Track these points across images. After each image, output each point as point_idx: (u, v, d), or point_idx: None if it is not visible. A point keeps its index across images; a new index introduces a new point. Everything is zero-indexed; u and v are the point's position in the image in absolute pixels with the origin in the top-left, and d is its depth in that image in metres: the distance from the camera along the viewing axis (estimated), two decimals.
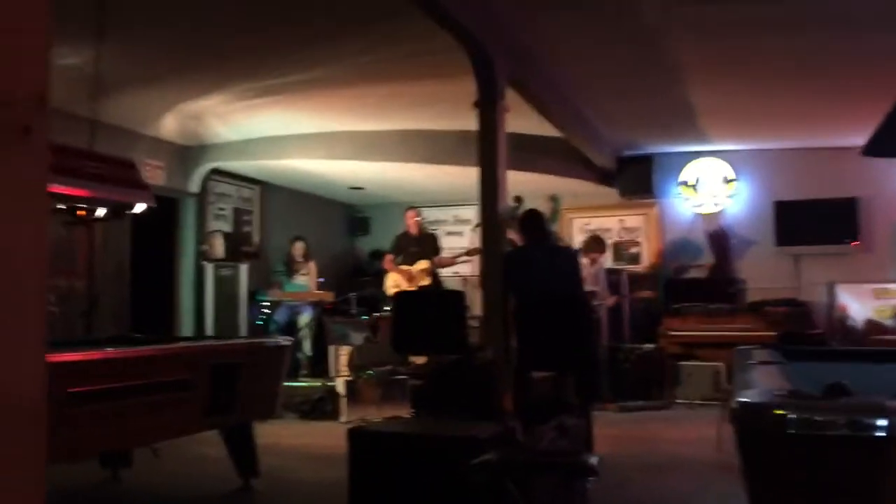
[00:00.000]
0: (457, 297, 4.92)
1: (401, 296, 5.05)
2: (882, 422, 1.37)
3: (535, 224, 5.49)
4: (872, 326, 8.27)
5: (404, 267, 8.64)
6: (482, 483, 2.84)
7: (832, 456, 1.42)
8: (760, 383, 1.80)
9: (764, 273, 8.88)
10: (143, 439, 3.87)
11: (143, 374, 3.56)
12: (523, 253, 5.44)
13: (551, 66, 6.16)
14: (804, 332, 7.09)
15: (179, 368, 3.75)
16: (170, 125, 7.55)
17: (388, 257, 8.82)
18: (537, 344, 5.02)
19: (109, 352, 3.48)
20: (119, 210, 5.39)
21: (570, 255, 5.49)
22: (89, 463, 4.72)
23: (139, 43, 5.59)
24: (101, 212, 5.38)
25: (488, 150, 5.28)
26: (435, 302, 5.00)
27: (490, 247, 5.26)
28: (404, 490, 3.25)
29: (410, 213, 8.69)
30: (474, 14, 4.84)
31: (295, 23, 5.31)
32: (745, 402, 1.52)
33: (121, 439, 3.58)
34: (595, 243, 8.49)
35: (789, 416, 1.44)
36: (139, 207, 5.48)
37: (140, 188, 4.53)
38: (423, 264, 8.55)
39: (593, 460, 2.79)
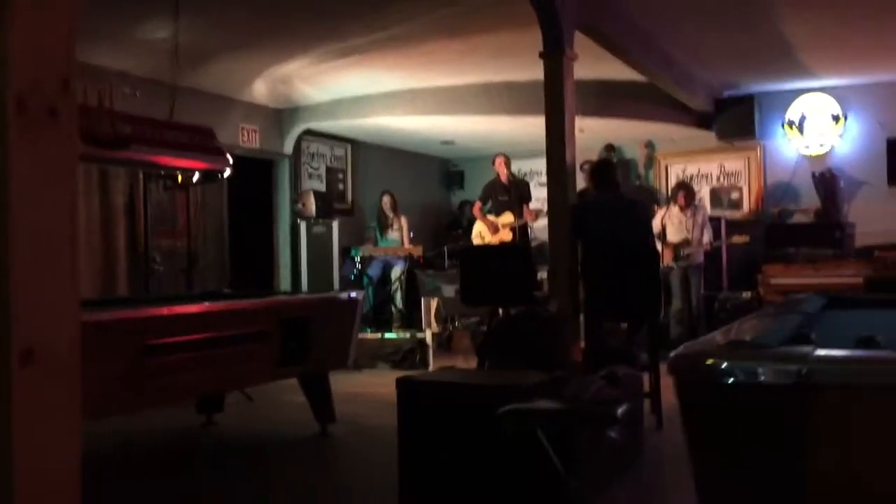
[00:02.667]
0: (523, 251, 4.97)
1: (467, 250, 5.14)
2: (797, 368, 1.37)
3: (605, 176, 5.41)
4: None
5: (491, 217, 8.68)
6: (512, 431, 2.92)
7: (751, 405, 1.42)
8: (725, 333, 1.79)
9: (875, 216, 8.31)
10: (220, 387, 4.21)
11: (218, 327, 3.85)
12: (593, 205, 5.39)
13: (628, 6, 5.96)
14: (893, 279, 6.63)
15: (252, 322, 4.04)
16: (261, 90, 7.89)
17: (477, 204, 8.88)
18: (606, 294, 5.01)
19: (183, 307, 3.79)
20: (211, 174, 5.76)
21: (640, 208, 5.39)
22: (187, 408, 5.20)
23: (221, 12, 5.86)
24: (196, 177, 5.79)
25: (555, 100, 5.22)
26: (501, 255, 5.06)
27: (558, 198, 5.24)
28: (449, 438, 3.39)
29: (499, 160, 8.61)
30: None
31: None
32: (679, 352, 1.54)
33: (198, 387, 3.91)
34: (679, 189, 8.23)
35: (716, 365, 1.45)
36: (227, 171, 5.83)
37: (217, 154, 4.81)
38: (508, 217, 8.56)
39: (620, 410, 2.81)
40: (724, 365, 1.49)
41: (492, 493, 3.28)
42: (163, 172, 6.23)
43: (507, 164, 8.65)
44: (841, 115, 8.58)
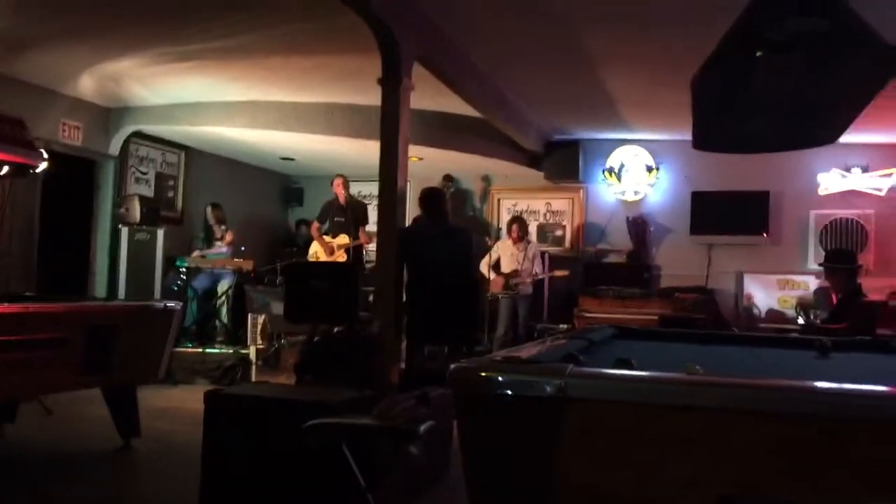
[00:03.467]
0: (348, 270, 5.03)
1: (292, 267, 5.13)
2: (555, 382, 1.53)
3: (433, 203, 5.61)
4: (775, 315, 8.61)
5: (327, 238, 8.70)
6: (315, 445, 2.96)
7: (518, 415, 1.57)
8: (507, 352, 1.95)
9: (677, 260, 9.18)
10: (11, 395, 3.92)
11: (10, 330, 3.60)
12: (419, 231, 5.56)
13: (465, 45, 6.25)
14: (685, 317, 7.36)
15: (50, 327, 3.80)
16: (88, 85, 7.46)
17: (315, 225, 8.87)
18: (426, 317, 5.17)
19: None
20: (21, 169, 5.38)
21: (463, 236, 5.62)
22: None
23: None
24: (4, 170, 5.37)
25: (390, 126, 5.36)
26: (327, 274, 5.10)
27: (387, 222, 5.35)
28: (255, 452, 3.36)
29: (337, 181, 8.66)
30: None
31: None
32: (457, 365, 1.66)
33: None
34: (513, 222, 8.69)
35: (488, 377, 1.59)
36: (41, 167, 5.48)
37: (28, 147, 4.52)
38: (344, 238, 8.61)
39: (422, 427, 2.92)
40: (495, 377, 1.63)
41: None
42: None
43: (346, 186, 8.70)
44: (654, 167, 9.39)
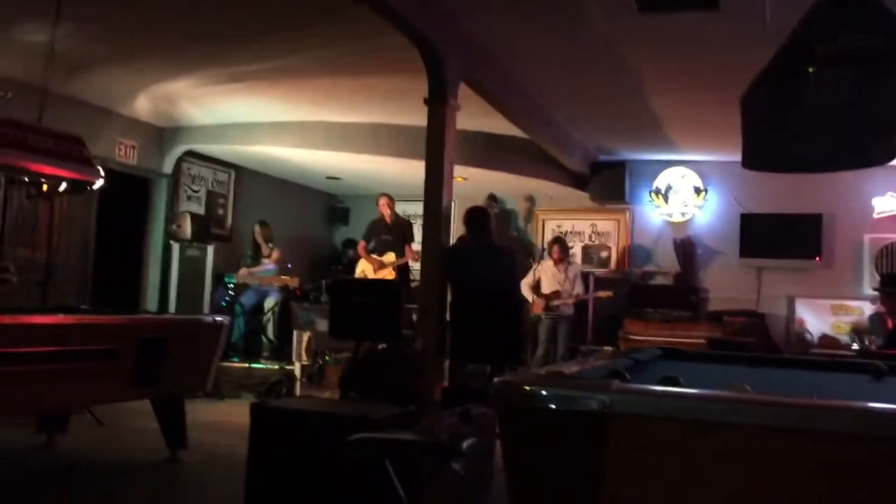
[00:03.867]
0: (392, 287, 5.06)
1: (338, 283, 5.18)
2: (600, 398, 1.51)
3: (478, 222, 5.62)
4: (828, 341, 8.38)
5: (375, 256, 8.76)
6: (358, 460, 2.96)
7: (562, 429, 1.56)
8: (549, 368, 1.94)
9: (726, 283, 9.00)
10: (62, 404, 4.02)
11: (63, 341, 3.70)
12: (464, 250, 5.57)
13: (510, 66, 6.28)
14: (733, 341, 7.20)
15: (101, 339, 3.90)
16: (143, 105, 7.70)
17: (362, 244, 8.93)
18: (469, 335, 5.17)
19: (20, 318, 3.62)
20: (79, 186, 5.55)
21: (507, 254, 5.61)
22: (27, 427, 4.92)
23: (105, 22, 5.72)
24: (63, 186, 5.55)
25: (435, 146, 5.40)
26: (371, 291, 5.13)
27: (432, 240, 5.38)
28: (298, 465, 3.39)
29: (383, 200, 8.69)
30: (423, 12, 4.97)
31: (256, 11, 5.45)
32: (501, 379, 1.66)
33: (37, 402, 3.73)
34: (554, 243, 8.61)
35: (532, 392, 1.58)
36: (98, 183, 5.64)
37: (86, 164, 4.66)
38: (391, 256, 8.66)
39: (465, 443, 2.91)
40: (539, 392, 1.62)
41: None
42: (27, 178, 5.95)
43: (391, 205, 8.76)
44: (702, 189, 9.27)
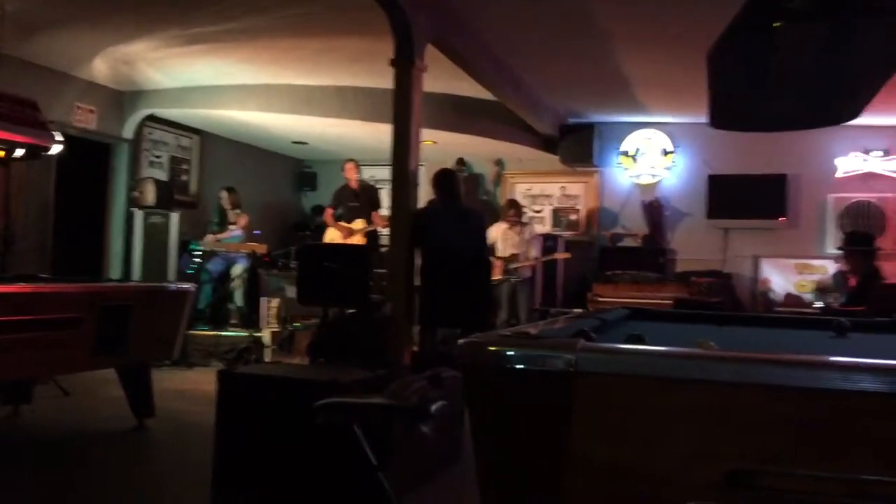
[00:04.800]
0: (360, 252, 5.01)
1: (306, 249, 5.12)
2: (566, 357, 1.50)
3: (446, 183, 5.57)
4: (792, 299, 8.53)
5: (343, 224, 8.66)
6: (326, 425, 2.94)
7: (527, 390, 1.54)
8: (516, 329, 1.92)
9: (693, 245, 9.09)
10: (24, 374, 3.94)
11: (22, 310, 3.61)
12: (433, 213, 5.53)
13: (478, 27, 6.19)
14: (700, 301, 7.30)
15: (63, 307, 3.82)
16: (101, 68, 7.48)
17: (329, 211, 8.82)
18: (438, 299, 5.15)
19: None
20: (35, 151, 5.39)
21: (476, 217, 5.58)
22: None
23: None
24: (18, 152, 5.38)
25: (402, 108, 5.32)
26: (339, 256, 5.08)
27: (400, 204, 5.33)
28: (266, 431, 3.37)
29: (349, 165, 8.58)
30: None
31: None
32: (466, 341, 1.64)
33: (1, 372, 3.64)
34: (509, 207, 8.57)
35: (497, 352, 1.56)
36: (55, 149, 5.48)
37: (40, 128, 4.52)
38: (360, 223, 8.57)
39: (433, 406, 2.90)
40: (505, 352, 1.60)
41: (305, 486, 3.28)
42: None
43: (357, 171, 8.66)
44: (670, 150, 9.30)
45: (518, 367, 1.55)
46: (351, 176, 8.61)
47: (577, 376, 1.52)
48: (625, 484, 1.51)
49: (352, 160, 8.68)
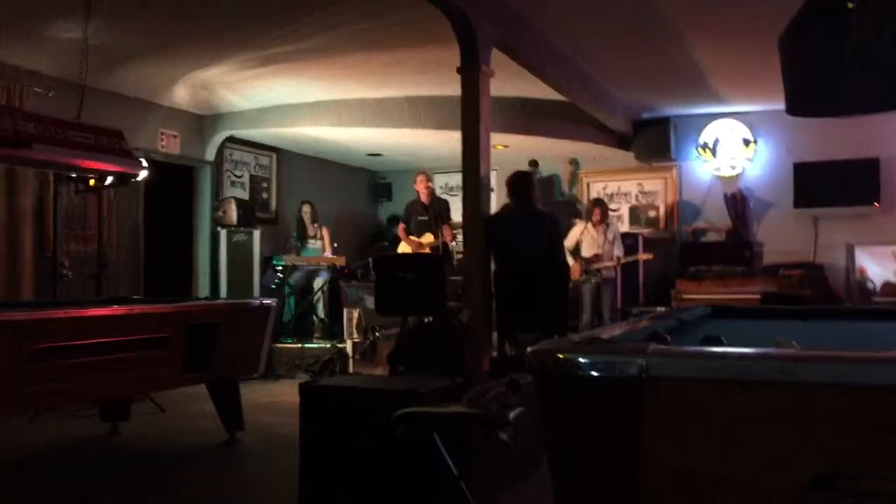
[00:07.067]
0: (435, 262, 5.04)
1: (381, 260, 5.19)
2: (637, 362, 1.46)
3: (520, 186, 5.54)
4: (891, 288, 8.10)
5: (413, 238, 8.62)
6: (406, 434, 2.96)
7: (600, 396, 1.51)
8: (588, 334, 1.89)
9: (781, 236, 8.75)
10: (119, 393, 4.13)
11: (115, 331, 3.79)
12: (506, 217, 5.51)
13: (542, 28, 6.14)
14: (790, 294, 6.99)
15: (152, 327, 3.98)
16: (182, 95, 7.79)
17: (401, 226, 8.84)
18: (514, 305, 5.12)
19: (75, 311, 3.71)
20: (123, 178, 5.65)
21: (549, 219, 5.52)
22: (91, 418, 5.08)
23: (135, 15, 5.77)
24: (109, 180, 5.66)
25: (471, 115, 5.32)
26: (414, 265, 5.13)
27: (473, 211, 5.33)
28: (349, 442, 3.42)
29: (420, 178, 8.45)
30: None
31: None
32: (536, 348, 1.61)
33: (95, 392, 3.83)
34: (594, 206, 8.43)
35: (567, 359, 1.53)
36: (141, 175, 5.73)
37: (127, 156, 4.74)
38: (429, 237, 8.49)
39: (512, 413, 2.89)
40: (574, 359, 1.57)
41: (388, 496, 3.32)
42: (74, 174, 6.09)
43: (429, 183, 8.51)
44: (751, 140, 8.98)
45: (588, 374, 1.52)
46: (421, 188, 8.48)
47: (648, 381, 1.48)
48: (701, 491, 1.46)
49: (423, 172, 8.59)
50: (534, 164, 9.78)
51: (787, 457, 1.37)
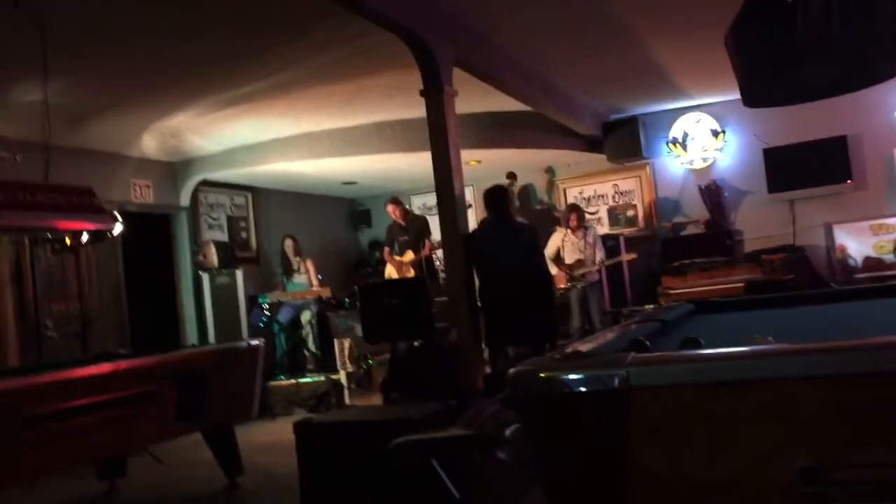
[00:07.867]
0: (418, 284, 5.03)
1: (364, 288, 5.18)
2: (618, 373, 1.47)
3: (495, 201, 5.56)
4: (872, 263, 8.18)
5: (397, 258, 8.81)
6: (403, 464, 2.95)
7: (579, 411, 1.52)
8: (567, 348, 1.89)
9: (759, 222, 8.83)
10: (114, 451, 4.08)
11: (102, 390, 3.75)
12: (484, 232, 5.52)
13: (503, 42, 6.20)
14: (772, 280, 7.04)
15: (139, 381, 3.95)
16: (150, 144, 7.77)
17: (386, 249, 9.04)
18: (501, 320, 5.13)
19: (60, 374, 3.68)
20: (98, 234, 5.62)
21: (528, 231, 5.54)
22: (88, 477, 5.02)
23: (93, 72, 5.77)
24: (84, 237, 5.63)
25: (438, 137, 5.34)
26: (398, 291, 5.12)
27: (450, 229, 5.34)
28: (347, 476, 3.40)
29: (390, 206, 8.94)
30: (404, 6, 4.91)
31: (240, 34, 5.44)
32: (515, 369, 1.61)
33: (89, 453, 3.79)
34: (570, 212, 8.45)
35: (548, 378, 1.54)
36: (116, 229, 5.71)
37: (99, 212, 4.71)
38: (409, 255, 8.68)
39: (507, 431, 2.88)
40: (555, 377, 1.57)
41: None
42: (49, 236, 6.06)
43: (400, 207, 8.88)
44: (720, 131, 9.07)
45: (570, 390, 1.52)
46: (394, 214, 8.84)
47: (630, 392, 1.49)
48: (693, 495, 1.46)
49: (391, 200, 8.99)
50: (512, 176, 9.81)
51: (773, 453, 1.38)
